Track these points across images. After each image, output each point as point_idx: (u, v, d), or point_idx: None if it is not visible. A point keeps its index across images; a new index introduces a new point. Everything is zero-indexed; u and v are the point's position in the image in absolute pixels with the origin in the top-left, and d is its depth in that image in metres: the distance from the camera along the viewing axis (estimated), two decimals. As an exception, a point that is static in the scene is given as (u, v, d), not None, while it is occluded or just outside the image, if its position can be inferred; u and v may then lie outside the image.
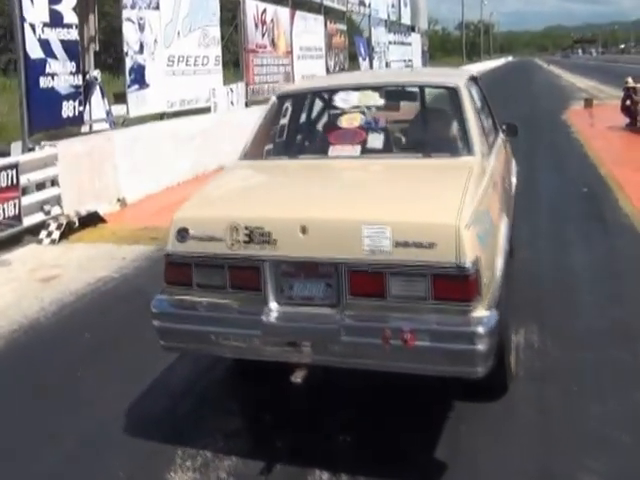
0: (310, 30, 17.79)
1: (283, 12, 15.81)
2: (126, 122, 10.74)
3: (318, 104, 5.01)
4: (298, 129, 4.93)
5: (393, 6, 28.82)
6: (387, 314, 3.18)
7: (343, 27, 21.42)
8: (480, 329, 3.05)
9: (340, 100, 4.54)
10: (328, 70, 19.71)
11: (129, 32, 10.08)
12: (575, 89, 32.92)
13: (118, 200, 9.75)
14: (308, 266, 3.32)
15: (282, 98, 4.87)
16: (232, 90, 13.42)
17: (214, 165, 12.23)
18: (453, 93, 4.42)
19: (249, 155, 4.49)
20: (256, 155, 4.48)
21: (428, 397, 3.91)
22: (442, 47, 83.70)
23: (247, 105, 14.22)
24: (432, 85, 4.97)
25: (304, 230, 3.26)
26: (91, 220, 8.67)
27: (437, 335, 3.10)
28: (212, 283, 3.47)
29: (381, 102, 4.55)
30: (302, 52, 17.25)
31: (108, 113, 10.51)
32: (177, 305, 3.55)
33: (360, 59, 23.72)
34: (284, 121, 4.89)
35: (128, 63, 10.24)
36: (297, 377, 3.36)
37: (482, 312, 3.12)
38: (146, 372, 4.50)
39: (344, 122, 4.37)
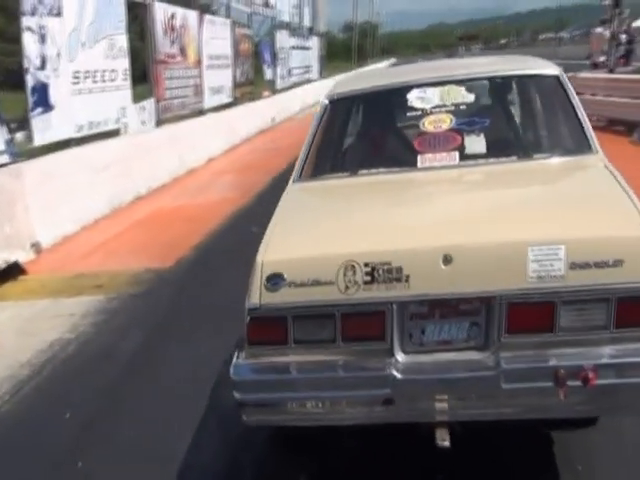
0: (218, 36, 17.25)
1: (192, 16, 15.23)
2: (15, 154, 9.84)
3: (383, 106, 4.52)
4: (365, 138, 4.53)
5: (295, 7, 28.67)
6: (555, 351, 2.84)
7: (249, 32, 21.01)
8: None
9: (416, 99, 4.05)
10: (235, 80, 19.21)
11: (29, 44, 9.26)
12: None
13: (32, 245, 8.89)
14: (448, 304, 2.94)
15: (336, 102, 4.35)
16: (144, 108, 12.72)
17: (130, 196, 11.54)
18: (554, 82, 4.11)
19: (308, 174, 4.03)
20: (319, 173, 4.04)
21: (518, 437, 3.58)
22: (326, 51, 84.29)
23: (158, 124, 13.55)
24: (527, 74, 4.35)
25: (447, 260, 2.86)
26: (9, 272, 7.81)
27: (624, 369, 2.82)
28: (317, 337, 3.01)
29: (471, 98, 4.02)
30: (211, 61, 16.70)
31: (8, 143, 9.61)
32: (268, 370, 3.06)
33: (265, 67, 23.36)
34: (344, 130, 4.49)
35: (29, 82, 9.40)
36: (444, 440, 2.96)
37: None
38: (165, 451, 3.93)
39: (429, 125, 3.92)
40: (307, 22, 32.01)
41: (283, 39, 25.89)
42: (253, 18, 21.81)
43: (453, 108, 3.96)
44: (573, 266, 2.78)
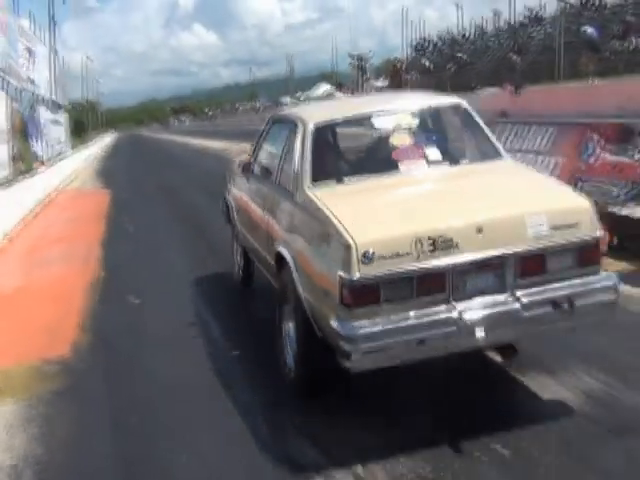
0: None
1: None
2: None
3: (354, 129, 5.40)
4: (353, 152, 5.33)
5: (48, 83, 26.49)
6: (550, 286, 3.87)
7: (18, 106, 18.80)
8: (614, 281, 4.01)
9: (380, 123, 5.01)
10: (11, 154, 16.94)
11: None
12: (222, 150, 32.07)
13: None
14: (482, 262, 3.81)
15: (321, 127, 4.91)
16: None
17: None
18: (464, 110, 5.14)
19: (318, 180, 4.54)
20: (324, 179, 4.58)
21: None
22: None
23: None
24: (444, 105, 5.38)
25: (479, 231, 3.79)
26: None
27: (587, 294, 3.92)
28: (400, 296, 3.74)
29: (416, 122, 4.97)
30: (-8, 135, 14.50)
31: None
32: (370, 325, 3.69)
33: (31, 140, 21.05)
34: (331, 146, 5.24)
35: None
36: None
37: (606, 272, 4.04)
38: None
39: (396, 141, 4.80)
40: (55, 98, 29.82)
41: (43, 113, 23.65)
42: (18, 92, 19.63)
43: (408, 129, 4.87)
44: (554, 228, 3.85)
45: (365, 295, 3.65)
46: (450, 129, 5.25)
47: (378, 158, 4.85)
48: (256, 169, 5.97)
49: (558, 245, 3.85)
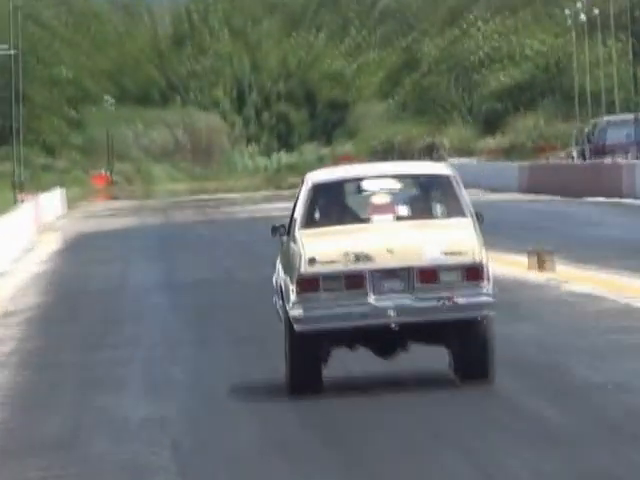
0: None
1: None
2: None
3: (347, 188, 7.74)
4: (340, 206, 7.69)
5: None
6: (442, 293, 6.75)
7: None
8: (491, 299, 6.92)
9: (368, 185, 7.43)
10: None
11: None
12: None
13: None
14: (392, 272, 6.80)
15: (316, 186, 7.57)
16: None
17: None
18: (447, 179, 7.56)
19: (307, 225, 7.34)
20: (314, 226, 7.36)
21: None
22: None
23: None
24: (428, 174, 7.95)
25: (390, 251, 6.75)
26: None
27: (474, 295, 6.81)
28: (334, 288, 6.85)
29: (399, 186, 7.48)
30: None
31: None
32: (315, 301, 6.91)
33: None
34: (324, 201, 7.65)
35: None
36: (395, 325, 6.88)
37: (489, 286, 6.83)
38: None
39: (376, 200, 7.31)
40: None
41: None
42: None
43: (389, 190, 7.35)
44: (445, 254, 6.66)
45: (309, 284, 6.81)
46: (429, 193, 7.66)
47: (362, 212, 7.51)
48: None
49: (446, 265, 6.72)
